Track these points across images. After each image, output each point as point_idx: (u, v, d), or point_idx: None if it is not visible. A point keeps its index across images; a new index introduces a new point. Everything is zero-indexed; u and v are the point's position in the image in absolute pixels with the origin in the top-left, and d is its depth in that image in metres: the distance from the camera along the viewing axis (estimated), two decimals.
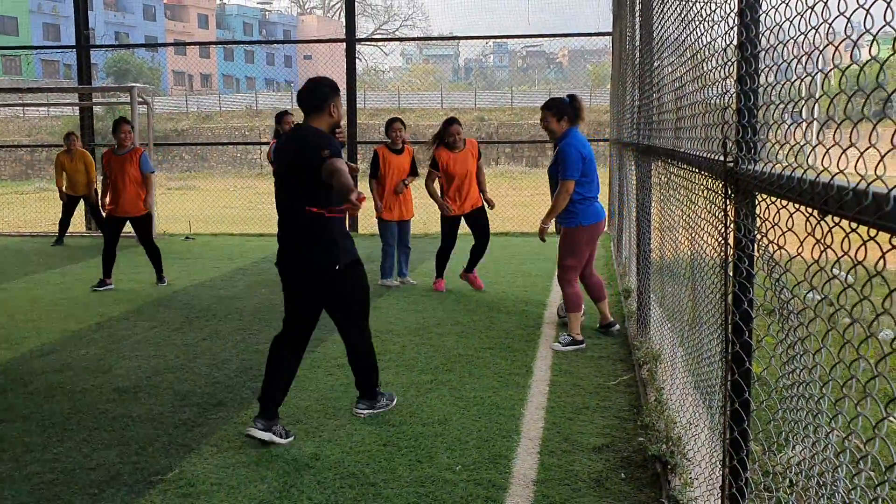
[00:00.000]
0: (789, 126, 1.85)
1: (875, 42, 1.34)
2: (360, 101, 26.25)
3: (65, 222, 11.89)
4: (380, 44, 65.56)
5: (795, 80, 1.79)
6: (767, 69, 2.08)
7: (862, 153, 1.34)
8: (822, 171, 1.53)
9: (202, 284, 8.45)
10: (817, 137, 1.61)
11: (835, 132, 1.48)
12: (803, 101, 1.75)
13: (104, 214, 8.88)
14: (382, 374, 4.76)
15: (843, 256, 1.44)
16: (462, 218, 7.76)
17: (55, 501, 3.40)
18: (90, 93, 14.01)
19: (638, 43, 6.16)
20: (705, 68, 2.87)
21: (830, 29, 1.57)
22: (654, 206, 5.21)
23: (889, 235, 1.24)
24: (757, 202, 2.17)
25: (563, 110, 5.71)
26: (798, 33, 1.76)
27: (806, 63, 1.74)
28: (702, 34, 2.93)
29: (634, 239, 6.30)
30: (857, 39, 1.43)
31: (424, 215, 13.66)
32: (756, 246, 2.21)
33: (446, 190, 7.65)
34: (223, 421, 4.33)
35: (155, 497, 3.43)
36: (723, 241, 2.46)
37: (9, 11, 51.06)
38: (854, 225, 1.37)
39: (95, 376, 5.16)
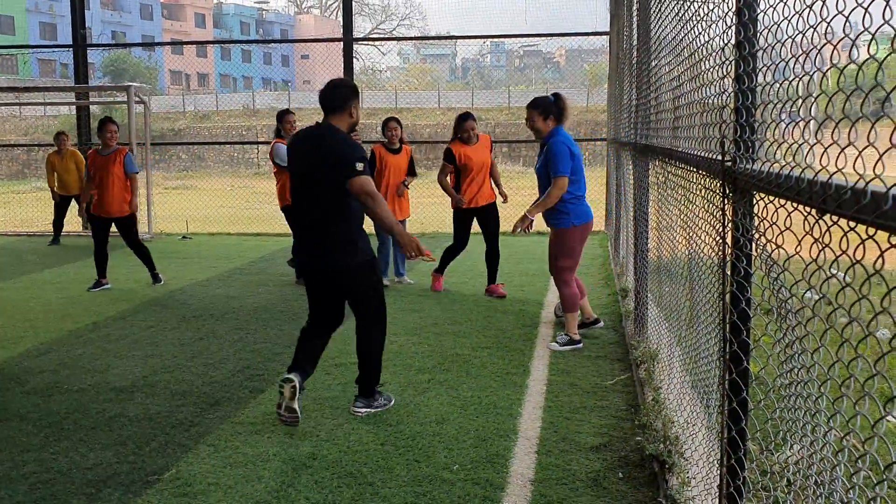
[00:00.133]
0: (787, 125, 1.85)
1: (874, 41, 1.34)
2: None
3: (58, 222, 11.86)
4: (377, 43, 65.58)
5: (793, 80, 1.79)
6: (765, 68, 2.08)
7: (860, 152, 1.34)
8: (821, 170, 1.53)
9: (199, 284, 8.44)
10: (815, 136, 1.61)
11: (833, 131, 1.48)
12: (801, 100, 1.75)
13: (84, 215, 8.89)
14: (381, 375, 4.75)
15: (841, 255, 1.44)
16: (475, 216, 7.64)
17: (52, 501, 3.40)
18: (87, 92, 13.98)
19: (635, 42, 6.15)
20: (703, 67, 2.87)
21: (829, 28, 1.56)
22: (652, 206, 5.21)
23: (888, 234, 1.24)
24: (755, 201, 2.17)
25: (548, 109, 5.68)
26: (796, 32, 1.76)
27: (804, 62, 1.73)
28: (699, 33, 2.93)
29: (632, 238, 6.30)
30: (856, 39, 1.43)
31: (422, 215, 13.66)
32: (754, 245, 2.21)
33: (461, 182, 7.52)
34: (220, 420, 4.32)
35: (152, 497, 3.42)
36: (720, 241, 2.46)
37: (5, 10, 50.98)
38: (852, 224, 1.36)
39: (92, 376, 5.15)
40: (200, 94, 49.34)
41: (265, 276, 8.84)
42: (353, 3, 12.77)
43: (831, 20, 1.55)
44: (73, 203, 11.95)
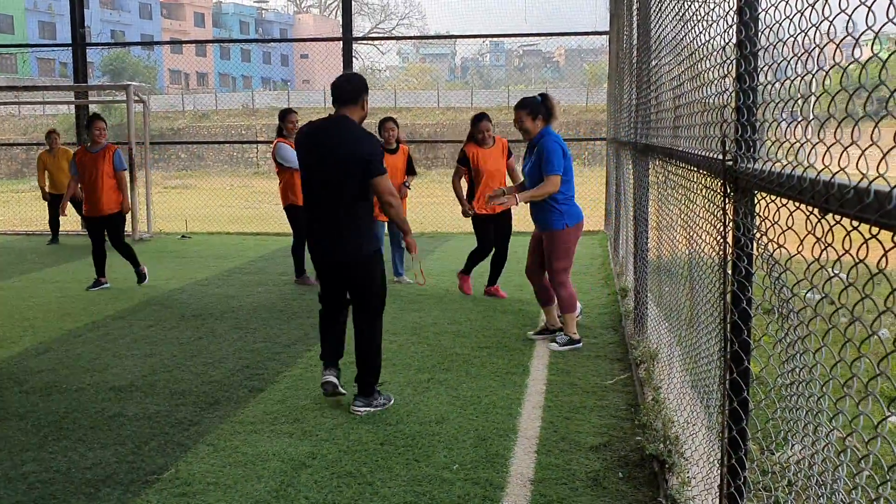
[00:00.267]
0: (788, 125, 1.85)
1: (877, 39, 1.33)
2: None
3: (54, 221, 11.85)
4: (376, 43, 65.58)
5: (795, 79, 1.78)
6: (767, 67, 2.07)
7: (863, 151, 1.33)
8: (823, 169, 1.53)
9: (198, 283, 8.43)
10: (817, 136, 1.61)
11: (836, 130, 1.47)
12: (802, 100, 1.75)
13: (64, 209, 8.86)
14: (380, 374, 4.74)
15: (844, 255, 1.43)
16: (493, 221, 7.42)
17: (51, 500, 3.39)
18: (86, 91, 13.96)
19: (635, 41, 6.15)
20: (704, 66, 2.86)
21: (831, 27, 1.56)
22: (652, 205, 5.20)
23: (891, 234, 1.24)
24: (756, 201, 2.16)
25: (537, 109, 5.62)
26: (798, 31, 1.76)
27: (806, 61, 1.73)
28: (700, 32, 2.92)
29: (631, 238, 6.30)
30: (859, 38, 1.43)
31: (421, 214, 13.66)
32: (755, 244, 2.20)
33: (475, 188, 7.34)
34: (219, 420, 4.32)
35: (151, 496, 3.41)
36: (721, 240, 2.45)
37: (4, 9, 50.93)
38: (855, 223, 1.36)
39: (91, 375, 5.14)
40: (200, 94, 49.33)
41: (264, 276, 8.83)
42: (353, 3, 12.77)
43: (833, 19, 1.55)
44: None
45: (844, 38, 1.51)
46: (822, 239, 1.57)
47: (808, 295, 1.80)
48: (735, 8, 2.27)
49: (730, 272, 2.33)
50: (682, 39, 3.55)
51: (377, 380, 4.48)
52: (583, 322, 6.41)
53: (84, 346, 5.89)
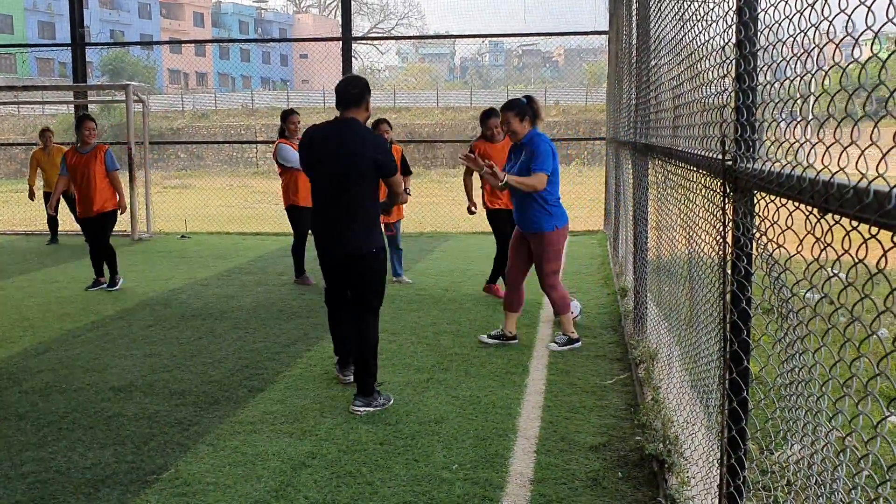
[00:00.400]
0: (788, 124, 1.85)
1: (876, 39, 1.33)
2: None
3: (53, 221, 11.83)
4: (376, 42, 65.57)
5: (794, 78, 1.78)
6: (766, 67, 2.07)
7: (863, 151, 1.33)
8: (822, 169, 1.53)
9: (198, 283, 8.43)
10: (817, 136, 1.61)
11: (835, 130, 1.47)
12: (801, 100, 1.75)
13: (53, 207, 8.80)
14: (379, 373, 4.74)
15: (843, 255, 1.43)
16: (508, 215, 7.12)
17: (50, 500, 3.39)
18: (85, 91, 13.96)
19: (635, 41, 6.15)
20: (703, 66, 2.87)
21: (830, 27, 1.56)
22: (651, 205, 5.20)
23: (890, 234, 1.24)
24: (756, 200, 2.16)
25: (524, 110, 5.56)
26: (797, 31, 1.76)
27: (805, 61, 1.73)
28: (699, 32, 2.92)
29: (631, 238, 6.30)
30: (858, 38, 1.43)
31: (420, 214, 13.66)
32: (755, 244, 2.20)
33: (485, 183, 7.08)
34: (219, 420, 4.32)
35: (150, 496, 3.41)
36: (721, 240, 2.45)
37: (4, 9, 50.92)
38: (854, 223, 1.36)
39: (91, 375, 5.14)
40: (199, 94, 49.35)
41: (264, 276, 8.83)
42: (352, 3, 12.76)
43: (833, 19, 1.55)
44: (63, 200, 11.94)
45: (844, 38, 1.51)
46: (822, 239, 1.57)
47: (808, 295, 1.81)
48: (734, 8, 2.27)
49: (729, 272, 2.33)
50: (681, 39, 3.55)
51: (375, 378, 4.50)
52: (582, 322, 6.41)
53: (83, 346, 5.89)
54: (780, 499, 2.17)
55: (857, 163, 1.35)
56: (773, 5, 1.92)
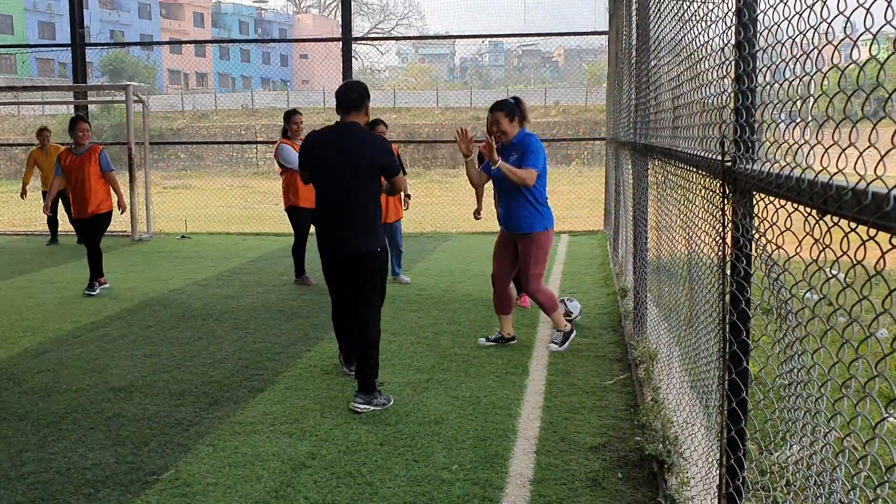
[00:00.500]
0: (787, 126, 1.85)
1: (875, 41, 1.34)
2: None
3: (53, 221, 11.83)
4: (376, 43, 65.59)
5: (793, 80, 1.78)
6: (765, 68, 2.08)
7: (861, 153, 1.33)
8: (821, 170, 1.53)
9: (198, 284, 8.43)
10: (816, 137, 1.61)
11: (834, 132, 1.48)
12: (801, 101, 1.75)
13: (48, 208, 8.75)
14: (379, 373, 4.74)
15: (842, 256, 1.44)
16: None
17: (50, 501, 3.39)
18: (85, 91, 13.96)
19: (634, 42, 6.15)
20: (703, 67, 2.87)
21: (829, 28, 1.56)
22: (651, 206, 5.21)
23: (889, 235, 1.24)
24: (755, 201, 2.17)
25: (513, 111, 5.54)
26: (796, 32, 1.76)
27: (805, 62, 1.73)
28: (699, 33, 2.92)
29: (631, 238, 6.30)
30: (857, 39, 1.43)
31: (420, 214, 13.66)
32: (754, 245, 2.21)
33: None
34: (219, 420, 4.32)
35: (150, 497, 3.41)
36: (720, 241, 2.45)
37: (4, 10, 50.91)
38: (853, 225, 1.36)
39: (90, 375, 5.15)
40: (199, 94, 49.34)
41: (264, 276, 8.84)
42: (352, 3, 12.76)
43: (832, 20, 1.55)
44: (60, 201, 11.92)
45: (843, 39, 1.51)
46: (821, 240, 1.58)
47: (807, 295, 1.81)
48: (734, 9, 2.27)
49: (729, 272, 2.34)
50: (681, 40, 3.56)
51: (376, 375, 4.52)
52: (582, 322, 6.42)
53: (83, 346, 5.89)
54: (780, 499, 2.18)
55: (855, 164, 1.35)
56: (772, 7, 1.92)
